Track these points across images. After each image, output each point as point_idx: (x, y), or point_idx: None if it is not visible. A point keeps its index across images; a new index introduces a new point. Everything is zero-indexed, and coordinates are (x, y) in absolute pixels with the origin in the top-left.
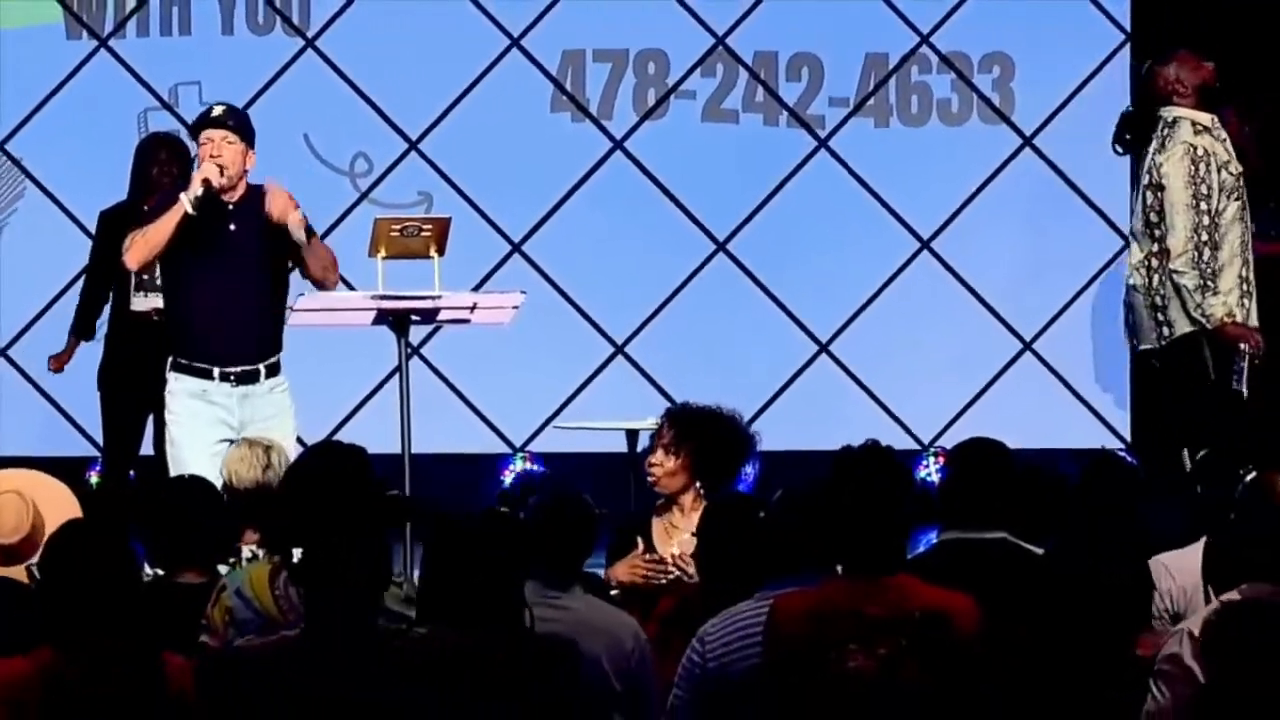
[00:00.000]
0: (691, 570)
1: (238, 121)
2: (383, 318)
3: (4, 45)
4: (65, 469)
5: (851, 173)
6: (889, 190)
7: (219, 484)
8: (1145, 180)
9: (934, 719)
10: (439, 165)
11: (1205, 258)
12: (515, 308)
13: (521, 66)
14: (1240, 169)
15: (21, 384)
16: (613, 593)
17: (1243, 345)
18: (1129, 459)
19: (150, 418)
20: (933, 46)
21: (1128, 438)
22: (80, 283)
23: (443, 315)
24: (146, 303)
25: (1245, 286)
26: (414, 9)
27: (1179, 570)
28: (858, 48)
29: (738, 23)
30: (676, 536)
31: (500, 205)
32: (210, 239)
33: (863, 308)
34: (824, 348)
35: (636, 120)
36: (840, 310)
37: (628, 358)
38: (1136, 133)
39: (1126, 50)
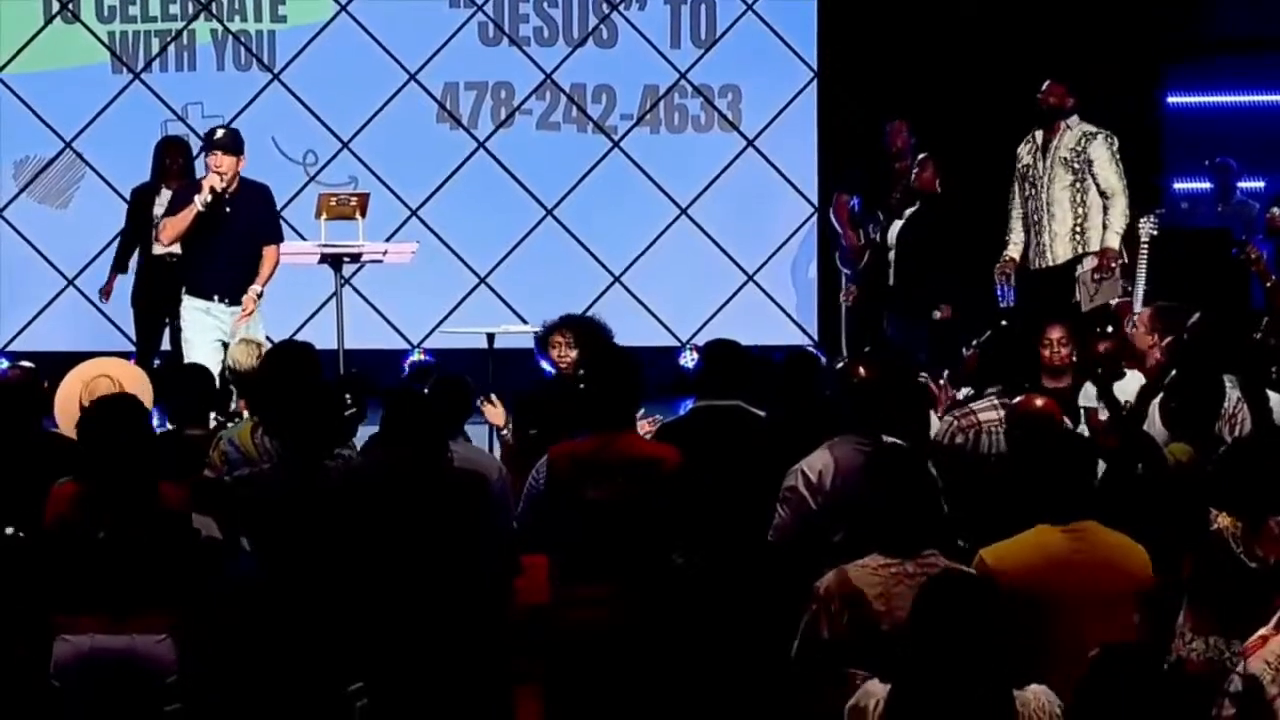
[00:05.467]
0: None
1: (233, 141)
2: (325, 259)
3: (69, 77)
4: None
5: (635, 164)
6: (660, 175)
7: (217, 368)
8: None
9: (644, 530)
10: (362, 158)
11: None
12: (413, 252)
13: (417, 92)
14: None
15: (84, 302)
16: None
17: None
18: (816, 353)
19: (166, 325)
20: (689, 80)
21: (816, 338)
22: (118, 236)
23: (365, 257)
24: (163, 249)
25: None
26: (346, 54)
27: None
28: (639, 81)
29: (560, 64)
30: None
31: (403, 184)
32: (213, 216)
33: (643, 252)
34: (617, 279)
35: (493, 129)
36: (628, 253)
37: (488, 286)
38: None
39: (815, 84)
